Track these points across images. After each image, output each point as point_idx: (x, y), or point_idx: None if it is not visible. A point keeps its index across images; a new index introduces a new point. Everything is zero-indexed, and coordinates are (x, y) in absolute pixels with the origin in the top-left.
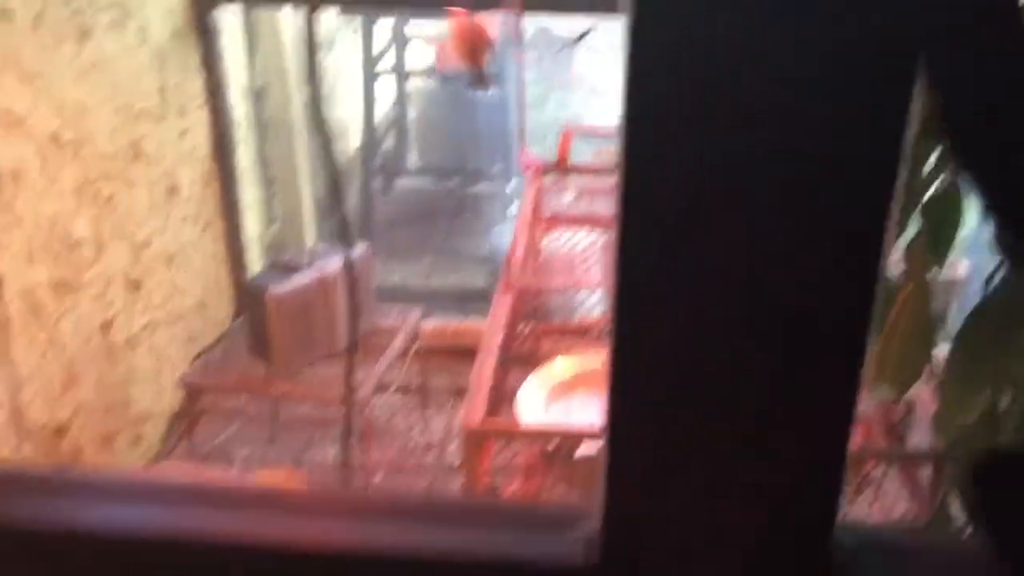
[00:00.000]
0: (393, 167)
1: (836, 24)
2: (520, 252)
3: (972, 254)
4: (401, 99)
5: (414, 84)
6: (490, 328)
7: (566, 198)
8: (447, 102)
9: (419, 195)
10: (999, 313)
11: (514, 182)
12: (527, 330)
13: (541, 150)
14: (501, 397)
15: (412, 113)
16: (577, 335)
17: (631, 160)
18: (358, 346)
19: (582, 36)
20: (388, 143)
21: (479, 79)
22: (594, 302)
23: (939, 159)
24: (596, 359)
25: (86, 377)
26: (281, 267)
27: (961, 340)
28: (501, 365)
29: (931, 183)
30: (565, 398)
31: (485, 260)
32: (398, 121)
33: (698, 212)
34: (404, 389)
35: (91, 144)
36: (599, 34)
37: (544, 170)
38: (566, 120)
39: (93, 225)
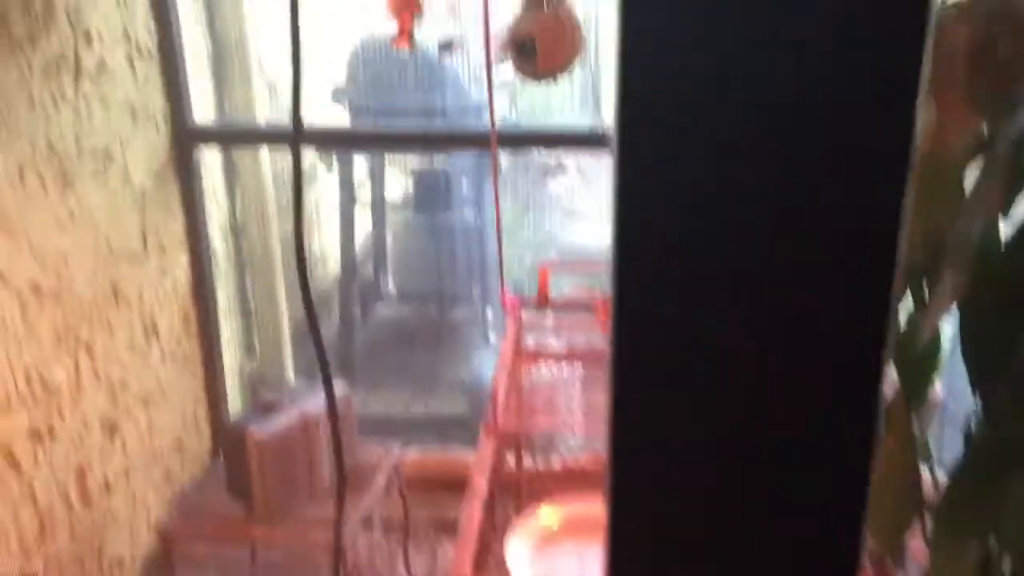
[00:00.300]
0: (371, 294)
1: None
2: (502, 393)
3: (946, 375)
4: (378, 228)
5: (391, 214)
6: (475, 473)
7: (545, 333)
8: (424, 230)
9: (398, 322)
10: (983, 466)
11: (493, 308)
12: (513, 470)
13: (518, 273)
14: (490, 537)
15: (389, 241)
16: (562, 478)
17: (620, 309)
18: (344, 499)
19: (556, 168)
20: (366, 271)
21: (403, 37)
22: (578, 442)
23: (915, 308)
24: (581, 506)
25: (60, 525)
26: (262, 407)
27: (948, 496)
28: (487, 508)
29: (907, 332)
30: (553, 548)
31: (466, 387)
32: (376, 249)
33: (687, 368)
34: (387, 525)
35: (70, 290)
36: (572, 161)
37: (523, 305)
38: (541, 241)
39: (71, 370)
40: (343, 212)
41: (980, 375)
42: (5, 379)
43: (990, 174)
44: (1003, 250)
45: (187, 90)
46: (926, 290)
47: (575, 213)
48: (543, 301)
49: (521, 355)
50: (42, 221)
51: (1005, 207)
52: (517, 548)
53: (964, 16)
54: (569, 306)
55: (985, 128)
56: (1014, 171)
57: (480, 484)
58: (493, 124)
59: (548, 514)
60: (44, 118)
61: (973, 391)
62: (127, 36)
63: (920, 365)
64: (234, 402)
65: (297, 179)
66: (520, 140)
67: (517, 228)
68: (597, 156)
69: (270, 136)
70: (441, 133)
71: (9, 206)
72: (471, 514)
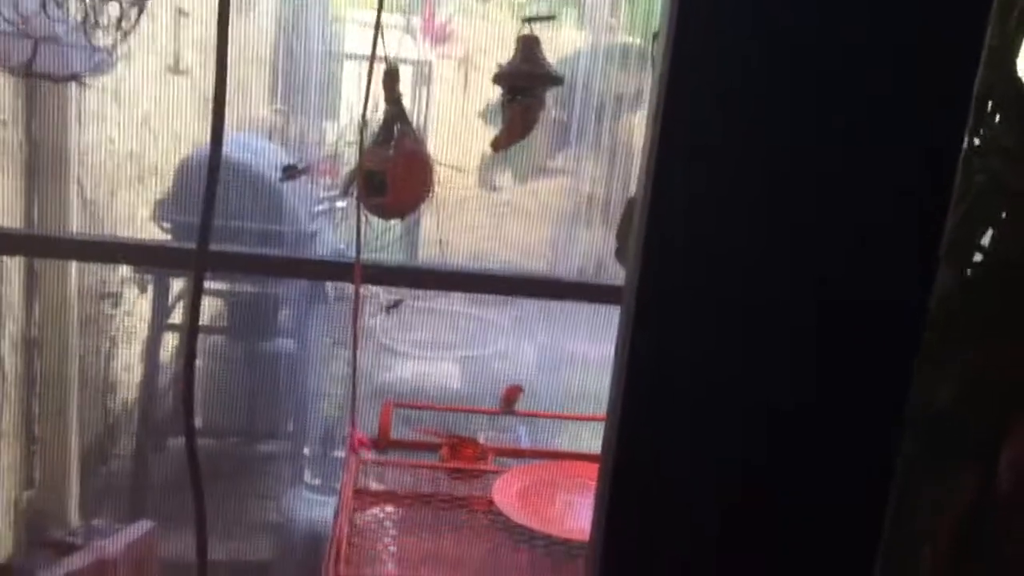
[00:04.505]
0: (168, 426)
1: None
2: (344, 539)
3: None
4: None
5: (203, 338)
6: None
7: (376, 472)
8: (238, 357)
9: (200, 457)
10: None
11: (311, 445)
12: None
13: (328, 410)
14: None
15: (199, 368)
16: None
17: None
18: None
19: (394, 305)
20: (168, 400)
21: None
22: None
23: None
24: None
25: None
26: (51, 545)
27: None
28: None
29: None
30: None
31: (273, 529)
32: (179, 377)
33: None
34: None
35: None
36: (407, 301)
37: (367, 446)
38: (347, 376)
39: None
40: (151, 336)
41: None
42: None
43: None
44: None
45: None
46: None
47: (391, 350)
48: (385, 442)
49: (361, 496)
50: None
51: None
52: None
53: None
54: (412, 447)
55: None
56: None
57: None
58: (358, 257)
59: None
60: None
61: None
62: None
63: None
64: (6, 540)
65: (196, 302)
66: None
67: (331, 361)
68: (423, 294)
69: (86, 249)
70: (282, 259)
71: None
72: None
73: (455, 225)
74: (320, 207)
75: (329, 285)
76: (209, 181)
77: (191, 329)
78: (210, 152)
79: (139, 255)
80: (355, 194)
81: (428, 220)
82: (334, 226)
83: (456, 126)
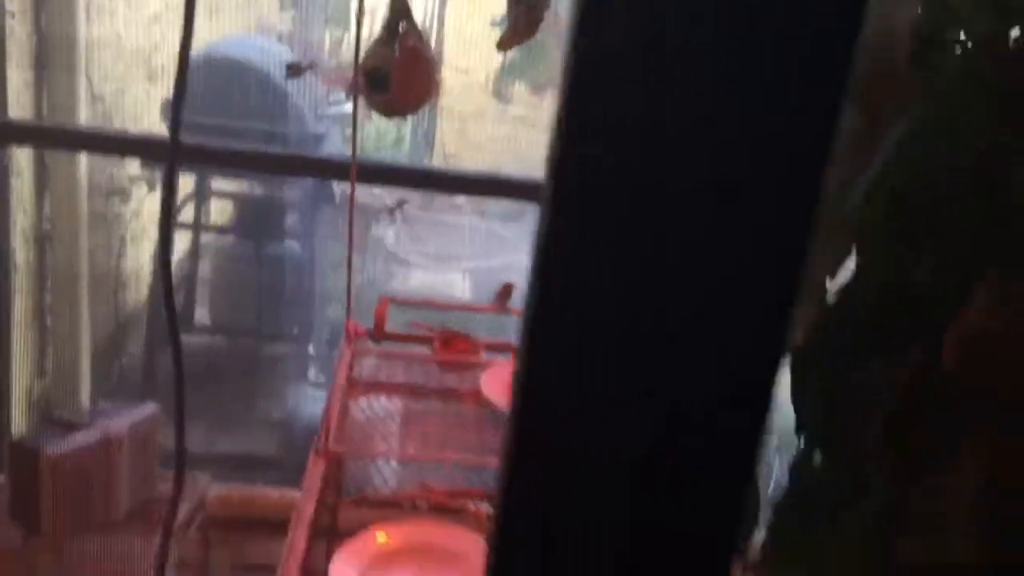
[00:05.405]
0: (181, 323)
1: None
2: (336, 418)
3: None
4: (195, 253)
5: (211, 240)
6: (303, 498)
7: (371, 365)
8: (245, 259)
9: (206, 353)
10: (804, 506)
11: (316, 344)
12: (333, 501)
13: (335, 313)
14: (314, 566)
15: (207, 268)
16: (388, 507)
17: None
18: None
19: (398, 206)
20: (177, 298)
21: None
22: (390, 472)
23: None
24: (413, 530)
25: None
26: (59, 424)
27: (771, 534)
28: (313, 536)
29: None
30: (386, 569)
31: (277, 425)
32: (189, 276)
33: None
34: (182, 565)
35: None
36: (410, 205)
37: (362, 336)
38: (365, 284)
39: None
40: (162, 232)
41: (807, 418)
42: None
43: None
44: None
45: (3, 81)
46: None
47: (399, 259)
48: (380, 333)
49: (355, 385)
50: None
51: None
52: (344, 570)
53: None
54: (405, 339)
55: None
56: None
57: (307, 509)
58: (355, 153)
59: (378, 537)
60: None
61: (797, 434)
62: None
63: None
64: (18, 427)
65: (169, 194)
66: (382, 175)
67: (337, 263)
68: (432, 196)
69: (96, 141)
70: (284, 156)
71: None
72: (296, 539)
73: (468, 141)
74: (328, 110)
75: (336, 189)
76: (180, 67)
77: (165, 223)
78: (183, 34)
79: (144, 149)
80: (354, 92)
81: (441, 133)
82: (343, 133)
83: (469, 37)
